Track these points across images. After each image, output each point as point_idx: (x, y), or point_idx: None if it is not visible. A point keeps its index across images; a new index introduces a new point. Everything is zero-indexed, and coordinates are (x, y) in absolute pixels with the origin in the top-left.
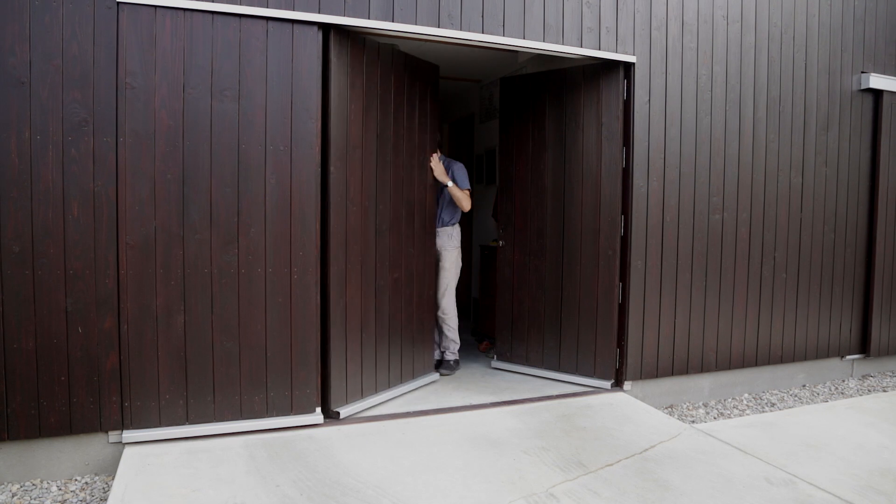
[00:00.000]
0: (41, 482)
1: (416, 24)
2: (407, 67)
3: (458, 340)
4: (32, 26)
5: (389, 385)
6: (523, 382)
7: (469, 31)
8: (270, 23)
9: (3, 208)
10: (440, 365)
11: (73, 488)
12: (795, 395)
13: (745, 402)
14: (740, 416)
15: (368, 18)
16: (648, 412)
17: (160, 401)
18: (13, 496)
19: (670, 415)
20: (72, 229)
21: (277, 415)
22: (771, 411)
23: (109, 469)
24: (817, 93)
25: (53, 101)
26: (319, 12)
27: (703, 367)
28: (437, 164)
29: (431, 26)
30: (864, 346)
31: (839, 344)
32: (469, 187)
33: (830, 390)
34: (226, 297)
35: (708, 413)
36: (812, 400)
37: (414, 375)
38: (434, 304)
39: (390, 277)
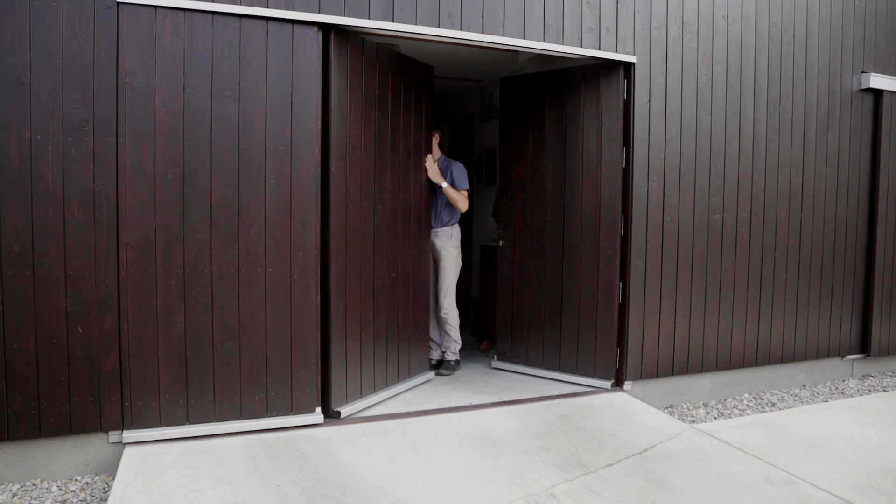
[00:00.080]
0: (41, 482)
1: (416, 24)
2: (403, 68)
3: (459, 340)
4: (32, 26)
5: (387, 384)
6: (523, 382)
7: (469, 31)
8: (270, 23)
9: (4, 208)
10: (441, 365)
11: (73, 488)
12: (796, 395)
13: (745, 401)
14: (740, 415)
15: (368, 18)
16: (648, 412)
17: (160, 401)
18: (13, 496)
19: (670, 415)
20: (72, 229)
21: (277, 415)
22: (771, 411)
23: (109, 469)
24: (817, 93)
25: (54, 102)
26: (319, 12)
27: (703, 367)
28: (431, 164)
29: (431, 26)
30: (864, 346)
31: (839, 344)
32: (468, 188)
33: (831, 390)
34: (226, 296)
35: (708, 413)
36: (812, 400)
37: (410, 374)
38: (428, 304)
39: (388, 277)
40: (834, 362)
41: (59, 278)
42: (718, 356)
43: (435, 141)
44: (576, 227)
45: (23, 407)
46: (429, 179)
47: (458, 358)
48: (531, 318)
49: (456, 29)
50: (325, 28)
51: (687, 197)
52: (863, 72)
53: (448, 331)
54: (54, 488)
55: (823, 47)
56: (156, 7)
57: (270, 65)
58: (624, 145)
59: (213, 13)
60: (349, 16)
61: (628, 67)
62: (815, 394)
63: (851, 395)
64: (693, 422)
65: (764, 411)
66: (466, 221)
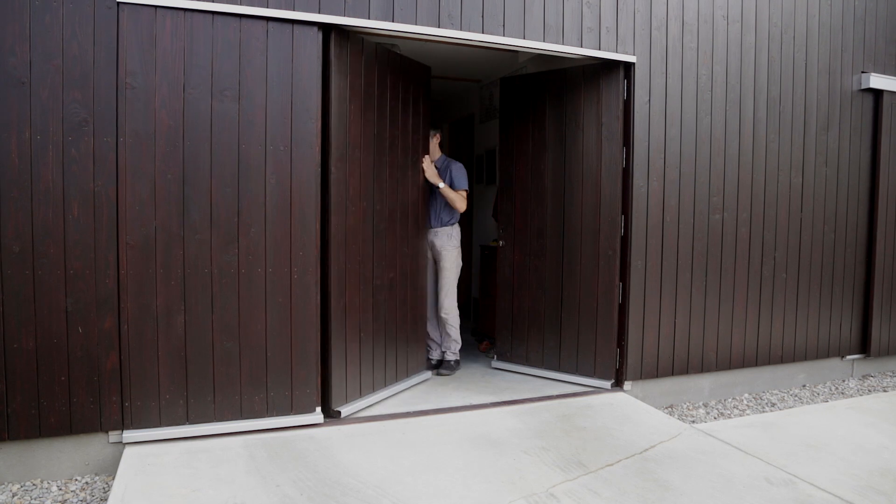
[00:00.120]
0: (41, 482)
1: (416, 24)
2: (401, 68)
3: (459, 340)
4: (33, 26)
5: (386, 384)
6: (523, 382)
7: (469, 31)
8: (270, 23)
9: (4, 208)
10: (441, 365)
11: (73, 488)
12: (796, 395)
13: (745, 402)
14: (740, 416)
15: (368, 18)
16: (648, 412)
17: (160, 401)
18: (13, 496)
19: (670, 415)
20: (72, 229)
21: (277, 414)
22: (771, 411)
23: (109, 469)
24: (817, 93)
25: (54, 102)
26: (319, 12)
27: (703, 367)
28: (428, 165)
29: (431, 26)
30: (864, 346)
31: (839, 344)
32: (467, 188)
33: (831, 390)
34: (226, 296)
35: (708, 413)
36: (812, 400)
37: (408, 374)
38: (425, 304)
39: (387, 277)
40: (834, 362)
41: (59, 278)
42: (718, 356)
43: (436, 141)
44: (576, 227)
45: (23, 407)
46: (426, 179)
47: (458, 358)
48: (531, 318)
49: (456, 29)
50: (326, 28)
51: (687, 197)
52: (863, 72)
53: (448, 331)
54: (54, 488)
55: (823, 47)
56: (156, 7)
57: (270, 65)
58: (624, 145)
59: (214, 13)
60: (349, 16)
61: (628, 67)
62: (815, 394)
63: (851, 396)
64: (693, 422)
65: (764, 411)
66: (466, 221)
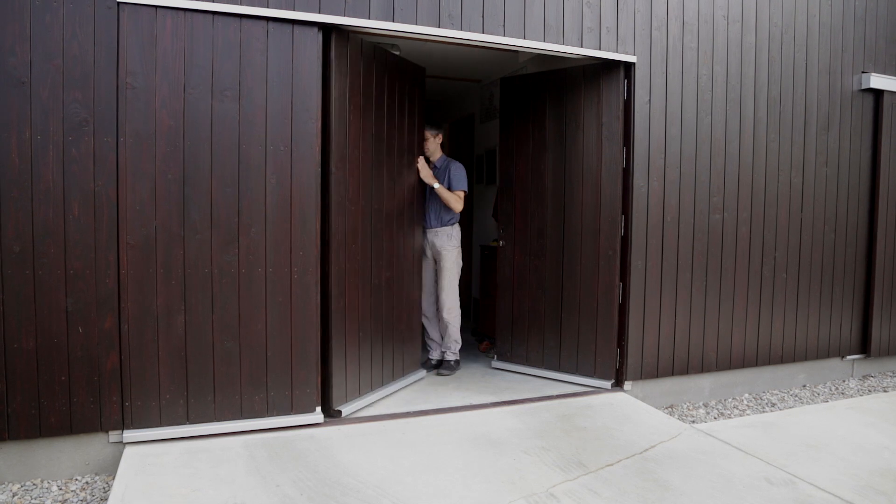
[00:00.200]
0: (41, 482)
1: (416, 24)
2: (398, 69)
3: (459, 340)
4: (33, 26)
5: (383, 383)
6: (523, 382)
7: (469, 31)
8: (271, 23)
9: (4, 208)
10: (441, 365)
11: (73, 488)
12: (796, 396)
13: (745, 402)
14: (741, 416)
15: (369, 18)
16: (649, 412)
17: (160, 400)
18: (14, 496)
19: (670, 415)
20: (72, 229)
21: (278, 414)
22: (771, 411)
23: (110, 469)
24: (818, 93)
25: (54, 101)
26: (320, 12)
27: (703, 367)
28: (423, 165)
29: (432, 26)
30: (864, 347)
31: (839, 344)
32: (465, 189)
33: (831, 390)
34: (226, 296)
35: (708, 413)
36: (812, 400)
37: (404, 373)
38: (420, 303)
39: (384, 277)
40: (834, 362)
41: (60, 278)
42: (718, 356)
43: (437, 140)
44: (576, 227)
45: (23, 407)
46: (421, 180)
47: (458, 358)
48: (531, 318)
49: (456, 29)
50: (326, 28)
51: (687, 197)
52: (863, 72)
53: (449, 331)
54: (54, 488)
55: (824, 47)
56: (156, 7)
57: (271, 65)
58: (624, 145)
59: (214, 13)
60: (349, 16)
61: (628, 67)
62: (816, 394)
63: (852, 396)
64: (693, 422)
65: (764, 411)
66: (466, 221)
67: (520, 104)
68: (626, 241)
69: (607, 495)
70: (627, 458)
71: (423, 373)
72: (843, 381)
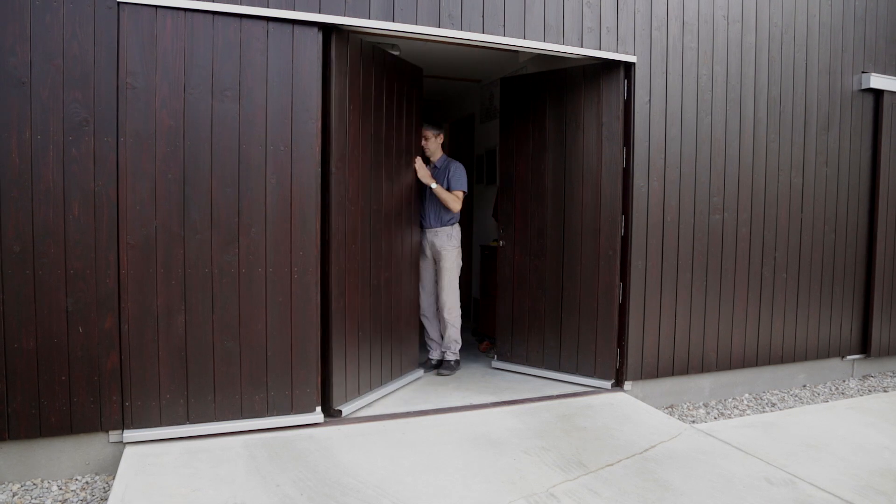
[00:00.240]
0: (42, 482)
1: (416, 24)
2: (396, 70)
3: (460, 340)
4: (33, 26)
5: (382, 382)
6: (524, 382)
7: (470, 31)
8: (271, 23)
9: (4, 208)
10: (441, 365)
11: (73, 488)
12: (796, 396)
13: (745, 402)
14: (741, 416)
15: (369, 18)
16: (649, 412)
17: (160, 400)
18: (14, 495)
19: (671, 415)
20: (72, 229)
21: (278, 414)
22: (771, 411)
23: (110, 469)
24: (818, 93)
25: (54, 101)
26: (320, 12)
27: (703, 368)
28: (420, 166)
29: (432, 26)
30: (864, 347)
31: (840, 344)
32: (464, 189)
33: (831, 390)
34: (226, 296)
35: (708, 413)
36: (812, 400)
37: (402, 372)
38: (418, 303)
39: (383, 277)
40: (834, 362)
41: (60, 278)
42: (719, 356)
43: (439, 140)
44: (576, 227)
45: (23, 406)
46: (418, 180)
47: (459, 358)
48: (531, 318)
49: (456, 29)
50: (326, 28)
51: (687, 197)
52: (863, 72)
53: (449, 331)
54: (55, 488)
55: (824, 47)
56: (156, 7)
57: (271, 65)
58: (624, 145)
59: (214, 13)
60: (349, 15)
61: (629, 67)
62: (816, 394)
63: (852, 396)
64: (693, 422)
65: (764, 411)
66: (466, 221)
67: (520, 104)
68: (626, 241)
69: (607, 495)
70: (627, 458)
71: (420, 372)
72: (844, 381)
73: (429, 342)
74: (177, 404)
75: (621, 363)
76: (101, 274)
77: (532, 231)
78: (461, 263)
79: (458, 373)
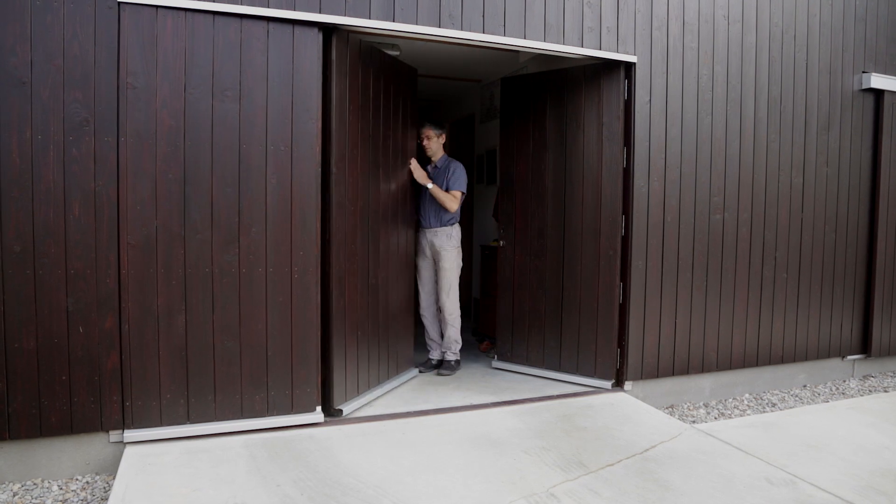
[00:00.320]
0: (42, 481)
1: (416, 24)
2: (392, 70)
3: (460, 340)
4: (34, 26)
5: (379, 382)
6: (524, 382)
7: (470, 30)
8: (271, 23)
9: (5, 208)
10: (441, 365)
11: (73, 488)
12: (796, 396)
13: (745, 402)
14: (741, 416)
15: (369, 18)
16: (649, 412)
17: (161, 400)
18: (14, 495)
19: (671, 415)
20: (73, 229)
21: (278, 414)
22: (772, 411)
23: (110, 468)
24: (818, 92)
25: (54, 101)
26: (320, 12)
27: (703, 368)
28: (416, 166)
29: (432, 26)
30: (865, 347)
31: (840, 344)
32: (462, 189)
33: (831, 390)
34: (227, 296)
35: (709, 413)
36: (813, 400)
37: (398, 372)
38: (412, 303)
39: (380, 276)
40: (835, 362)
41: (60, 278)
42: (719, 356)
43: (440, 140)
44: (576, 227)
45: (24, 406)
46: (414, 180)
47: (459, 358)
48: (532, 318)
49: (457, 29)
50: (326, 28)
51: (688, 197)
52: (864, 72)
53: (449, 331)
54: (55, 488)
55: (824, 47)
56: (157, 7)
57: (271, 65)
58: (625, 145)
59: (214, 13)
60: (350, 15)
61: (629, 67)
62: (816, 394)
63: (852, 396)
64: (694, 422)
65: (764, 411)
66: (467, 221)
67: (520, 104)
68: (626, 241)
69: (608, 495)
70: (628, 458)
71: (415, 371)
72: (844, 381)
73: (429, 342)
74: (177, 404)
75: (621, 363)
76: (101, 274)
77: (532, 231)
78: (461, 264)
79: (459, 373)
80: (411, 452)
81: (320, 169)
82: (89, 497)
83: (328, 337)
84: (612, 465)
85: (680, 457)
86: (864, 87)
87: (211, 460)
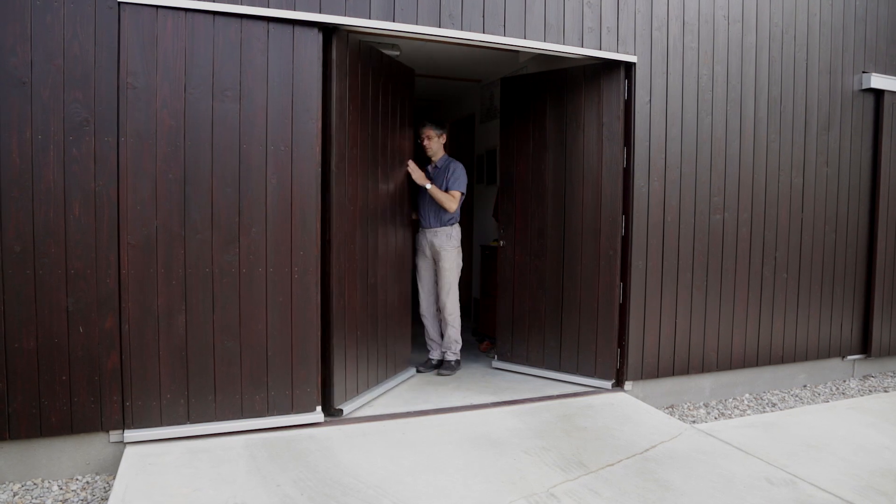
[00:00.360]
0: (42, 481)
1: (416, 24)
2: (390, 70)
3: (460, 340)
4: (34, 26)
5: (378, 381)
6: (524, 382)
7: (470, 30)
8: (271, 23)
9: (5, 208)
10: (441, 365)
11: (74, 488)
12: (796, 396)
13: (745, 402)
14: (741, 416)
15: (369, 18)
16: (649, 412)
17: (161, 400)
18: (14, 495)
19: (671, 415)
20: (73, 229)
21: (278, 414)
22: (772, 411)
23: (110, 469)
24: (818, 92)
25: (55, 101)
26: (320, 12)
27: (703, 368)
28: (413, 168)
29: (432, 26)
30: (865, 347)
31: (840, 344)
32: (462, 189)
33: (831, 390)
34: (227, 296)
35: (709, 413)
36: (813, 400)
37: (396, 371)
38: (409, 302)
39: (378, 276)
40: (835, 363)
41: (60, 278)
42: (719, 356)
43: (441, 140)
44: (576, 227)
45: (24, 406)
46: (413, 180)
47: (459, 358)
48: (532, 318)
49: (457, 29)
50: (326, 28)
51: (688, 197)
52: (864, 72)
53: (449, 331)
54: (55, 488)
55: (824, 47)
56: (157, 7)
57: (271, 65)
58: (625, 145)
59: (215, 13)
60: (350, 15)
61: (629, 67)
62: (816, 394)
63: (852, 396)
64: (694, 422)
65: (765, 411)
66: (467, 221)
67: (520, 104)
68: (626, 241)
69: (608, 495)
70: (628, 458)
71: (412, 371)
72: (844, 381)
73: (429, 342)
74: (177, 404)
75: (622, 363)
76: (101, 274)
77: (532, 231)
78: (461, 264)
79: (459, 373)
80: (411, 452)
81: (320, 169)
82: (89, 497)
83: (328, 337)
84: (613, 465)
85: (680, 457)
86: (864, 87)
87: (211, 460)
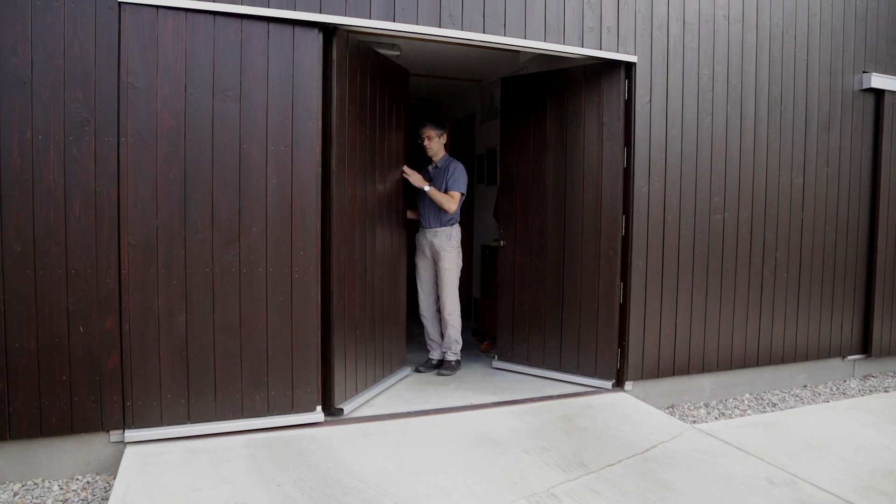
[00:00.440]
0: (43, 481)
1: (417, 24)
2: (386, 71)
3: (460, 340)
4: (34, 26)
5: (376, 380)
6: (524, 382)
7: (470, 30)
8: (272, 23)
9: (5, 208)
10: (441, 365)
11: (74, 487)
12: (797, 396)
13: (746, 402)
14: (741, 416)
15: (370, 18)
16: (649, 412)
17: (161, 400)
18: (15, 495)
19: (671, 415)
20: (73, 229)
21: (278, 413)
22: (772, 411)
23: (111, 468)
24: (818, 92)
25: (55, 101)
26: (321, 12)
27: (704, 368)
28: (410, 172)
29: (433, 26)
30: (865, 347)
31: (840, 344)
32: (461, 190)
33: (832, 390)
34: (227, 296)
35: (709, 413)
36: (813, 400)
37: (392, 371)
38: (404, 302)
39: (377, 276)
40: (835, 363)
41: (61, 278)
42: (719, 356)
43: (442, 140)
44: (577, 227)
45: (24, 406)
46: (405, 180)
47: (459, 358)
48: (532, 318)
49: (457, 29)
50: (326, 29)
51: (688, 197)
52: (864, 72)
53: (449, 331)
54: (55, 487)
55: (825, 47)
56: (157, 7)
57: (272, 65)
58: (625, 145)
59: (215, 13)
60: (350, 15)
61: (629, 67)
62: (817, 394)
63: (853, 396)
64: (694, 422)
65: (765, 411)
66: (467, 221)
67: (521, 104)
68: (626, 242)
69: (608, 495)
70: (628, 458)
71: (408, 370)
72: (844, 381)
73: (429, 342)
74: (178, 404)
75: (622, 363)
76: (102, 274)
77: (533, 231)
78: (461, 264)
79: (459, 373)
80: (412, 452)
81: (320, 169)
82: (90, 497)
83: (328, 336)
84: (613, 465)
85: (680, 457)
86: (864, 86)
87: (211, 460)
